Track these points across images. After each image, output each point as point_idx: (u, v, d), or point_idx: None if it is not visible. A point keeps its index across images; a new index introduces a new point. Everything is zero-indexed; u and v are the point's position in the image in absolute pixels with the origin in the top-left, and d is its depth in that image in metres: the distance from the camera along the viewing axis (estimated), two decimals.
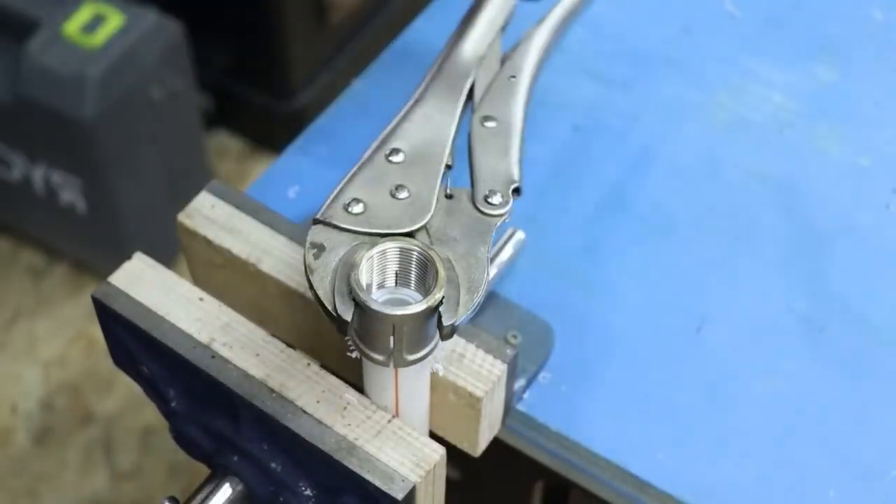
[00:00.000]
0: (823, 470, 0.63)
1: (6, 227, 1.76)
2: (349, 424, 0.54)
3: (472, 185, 0.56)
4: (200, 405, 0.59)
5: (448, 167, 0.56)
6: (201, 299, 0.58)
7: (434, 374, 0.56)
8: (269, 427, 0.55)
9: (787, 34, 0.81)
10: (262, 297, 0.62)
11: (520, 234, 0.69)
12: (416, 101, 0.59)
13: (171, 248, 1.22)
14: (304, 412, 0.54)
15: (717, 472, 0.63)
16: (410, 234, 0.52)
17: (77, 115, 1.45)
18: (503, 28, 0.65)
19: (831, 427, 0.65)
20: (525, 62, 0.63)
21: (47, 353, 1.66)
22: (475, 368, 0.57)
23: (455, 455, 0.59)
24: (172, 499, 0.58)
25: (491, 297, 0.68)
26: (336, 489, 0.55)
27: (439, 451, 0.54)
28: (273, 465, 0.56)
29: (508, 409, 0.62)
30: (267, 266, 0.60)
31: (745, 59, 0.82)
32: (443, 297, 0.49)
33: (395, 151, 0.56)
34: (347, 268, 0.50)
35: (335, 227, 0.52)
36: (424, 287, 0.51)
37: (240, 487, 0.57)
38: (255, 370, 0.55)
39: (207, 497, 0.57)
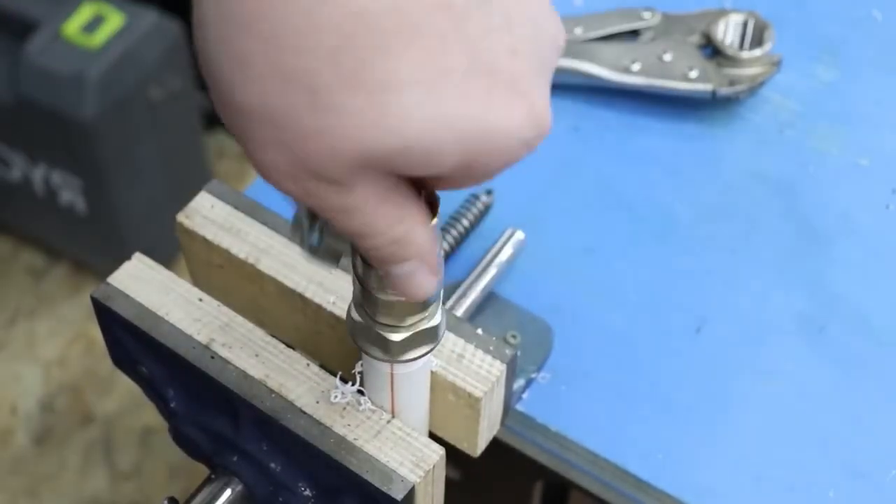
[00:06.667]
0: (822, 470, 0.63)
1: (6, 227, 1.76)
2: (348, 424, 0.54)
3: None
4: (200, 405, 0.59)
5: None
6: (201, 299, 0.58)
7: (434, 375, 0.56)
8: (269, 427, 0.55)
9: (787, 34, 0.81)
10: (261, 296, 0.62)
11: (520, 234, 0.69)
12: None
13: (171, 248, 1.22)
14: (304, 412, 0.54)
15: (717, 472, 0.63)
16: None
17: (77, 115, 1.45)
18: None
19: (831, 427, 0.65)
20: None
21: (47, 353, 1.66)
22: (474, 368, 0.57)
23: (455, 455, 0.59)
24: (172, 499, 0.57)
25: (491, 297, 0.68)
26: (335, 489, 0.55)
27: (439, 452, 0.54)
28: (273, 465, 0.56)
29: (508, 409, 0.62)
30: (266, 266, 0.60)
31: None
32: None
33: None
34: None
35: None
36: None
37: (239, 488, 0.57)
38: (255, 370, 0.55)
39: (207, 497, 0.57)
